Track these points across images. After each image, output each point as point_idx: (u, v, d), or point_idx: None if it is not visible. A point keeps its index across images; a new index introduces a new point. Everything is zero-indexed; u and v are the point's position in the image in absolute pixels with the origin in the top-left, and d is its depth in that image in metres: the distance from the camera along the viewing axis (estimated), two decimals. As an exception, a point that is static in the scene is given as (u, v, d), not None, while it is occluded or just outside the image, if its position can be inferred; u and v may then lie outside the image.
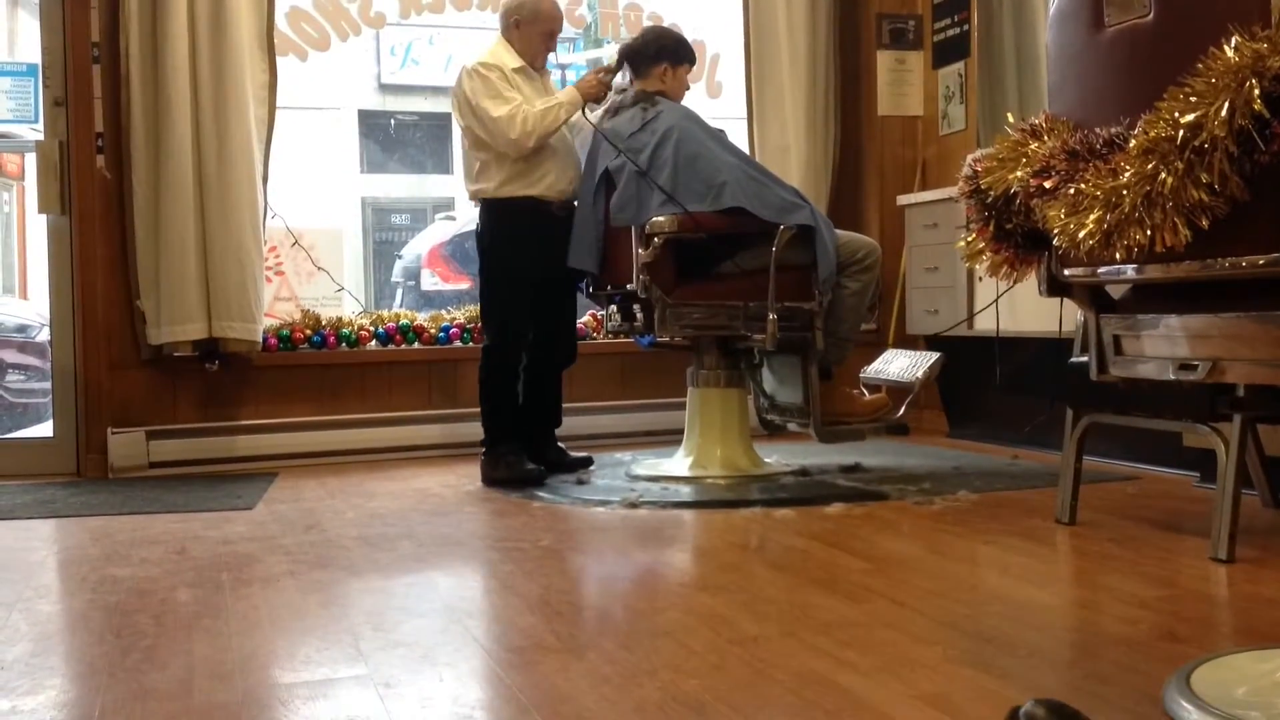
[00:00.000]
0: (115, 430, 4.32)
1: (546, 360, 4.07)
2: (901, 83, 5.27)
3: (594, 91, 3.93)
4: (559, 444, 4.13)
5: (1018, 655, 1.90)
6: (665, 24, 5.28)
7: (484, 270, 4.04)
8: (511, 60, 3.94)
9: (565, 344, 4.12)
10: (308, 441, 4.53)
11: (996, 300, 3.96)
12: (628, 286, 3.73)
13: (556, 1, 4.05)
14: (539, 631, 2.20)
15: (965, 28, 4.99)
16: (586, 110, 3.92)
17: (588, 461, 4.08)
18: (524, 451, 3.92)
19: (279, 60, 4.59)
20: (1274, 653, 1.73)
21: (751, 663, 1.85)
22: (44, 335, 5.83)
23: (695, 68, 4.17)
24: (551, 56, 4.16)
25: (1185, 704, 1.52)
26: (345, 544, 2.92)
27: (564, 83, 4.18)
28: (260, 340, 4.49)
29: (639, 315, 3.84)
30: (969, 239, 2.47)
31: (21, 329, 6.94)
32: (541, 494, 3.61)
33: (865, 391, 3.96)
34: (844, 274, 3.75)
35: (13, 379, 6.70)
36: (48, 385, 4.57)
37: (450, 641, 2.02)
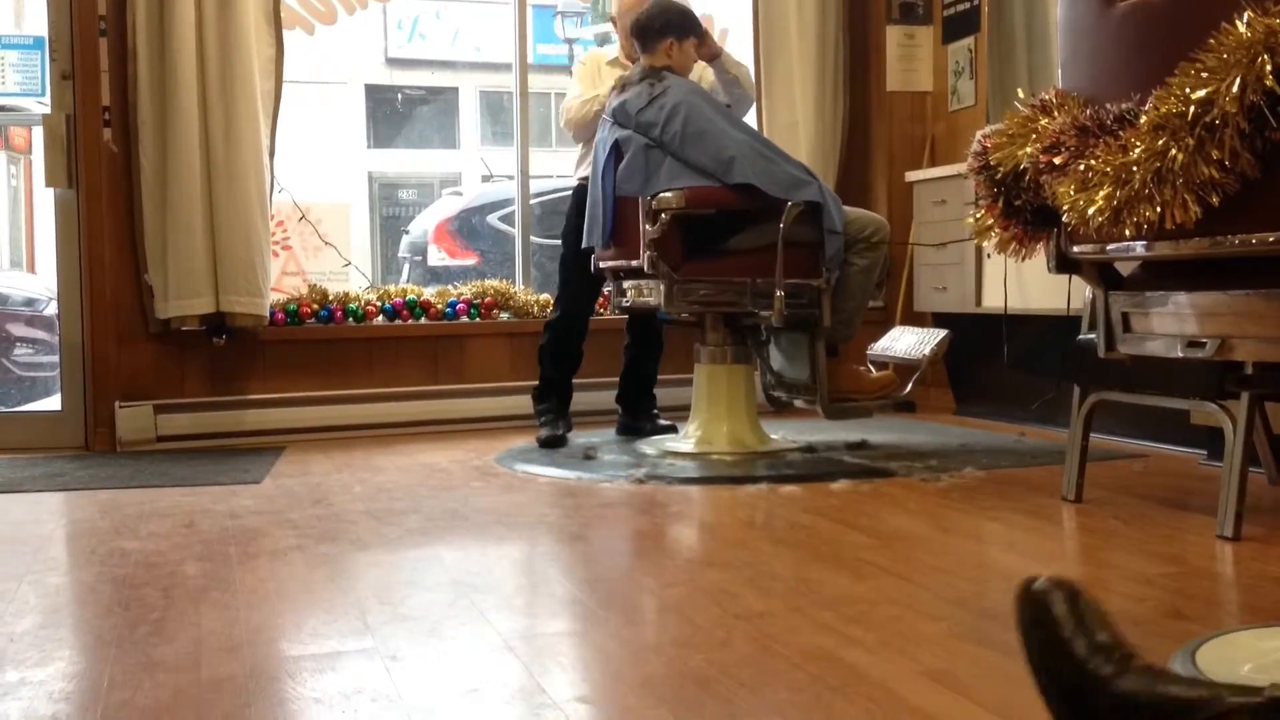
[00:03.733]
0: (123, 404, 4.33)
1: (639, 341, 4.38)
2: (911, 58, 5.24)
3: None
4: (654, 411, 4.41)
5: (1023, 632, 1.90)
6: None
7: (563, 245, 4.31)
8: (610, 54, 4.39)
9: (643, 325, 4.36)
10: (315, 416, 4.54)
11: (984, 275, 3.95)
12: (634, 263, 3.72)
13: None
14: (546, 606, 2.21)
15: (975, 2, 4.96)
16: None
17: (673, 429, 4.21)
18: (556, 416, 4.19)
19: (285, 34, 4.58)
20: (1279, 630, 1.74)
21: (757, 638, 1.86)
22: (52, 309, 5.85)
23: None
24: (559, 30, 4.26)
25: (1190, 681, 1.52)
26: (352, 518, 2.93)
27: (572, 59, 4.24)
28: (267, 315, 4.50)
29: (644, 291, 3.82)
30: (978, 215, 2.47)
31: (29, 303, 6.95)
32: (549, 470, 3.61)
33: (872, 369, 3.96)
34: (851, 251, 3.74)
35: (20, 353, 6.71)
36: (55, 359, 4.58)
37: (457, 615, 2.03)
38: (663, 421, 4.37)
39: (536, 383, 4.32)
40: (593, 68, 4.35)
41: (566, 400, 4.29)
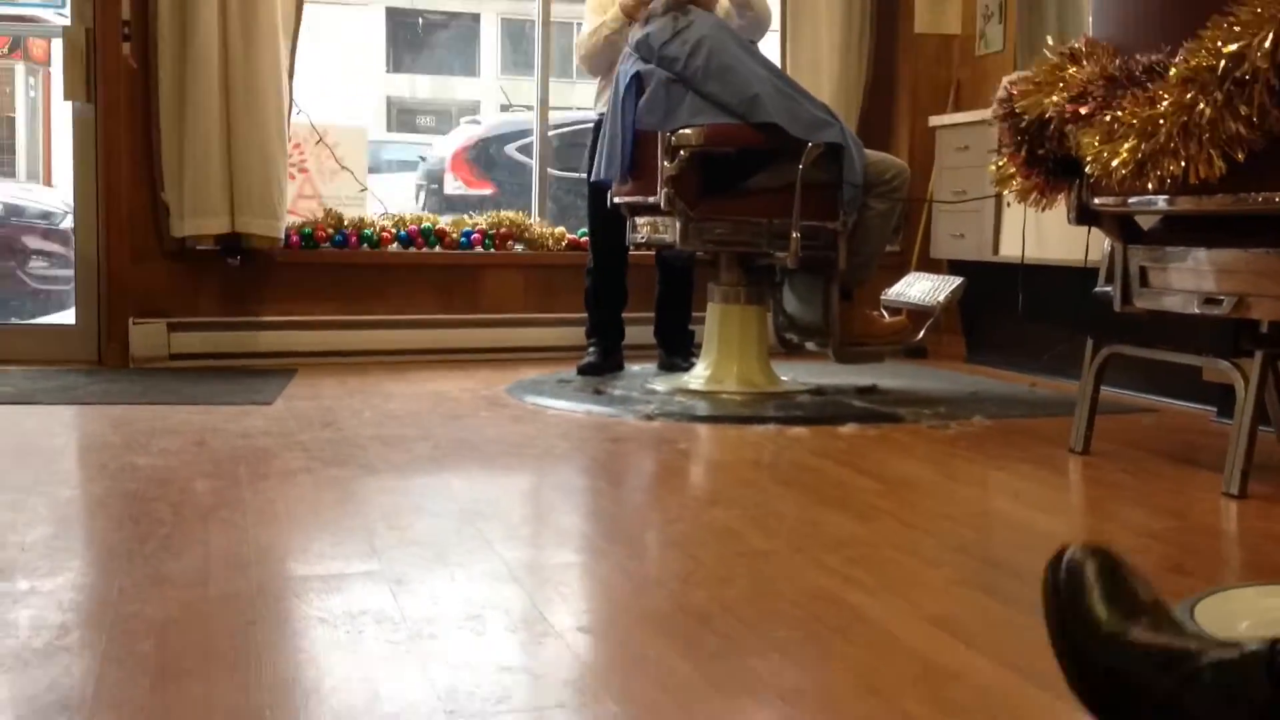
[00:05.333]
0: (137, 320, 4.34)
1: (668, 278, 4.39)
2: (940, 0, 5.16)
3: (637, 7, 4.00)
4: (691, 347, 4.38)
5: (1024, 580, 1.91)
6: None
7: (587, 183, 4.30)
8: None
9: (671, 263, 4.34)
10: (327, 340, 4.55)
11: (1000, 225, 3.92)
12: (650, 199, 3.70)
13: None
14: (551, 537, 2.23)
15: (1008, -54, 4.88)
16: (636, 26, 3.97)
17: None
18: (603, 349, 4.27)
19: (308, -48, 4.53)
20: (1279, 588, 1.74)
21: (759, 577, 1.87)
22: (68, 223, 5.85)
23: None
24: None
25: (1188, 635, 1.53)
26: (362, 443, 2.95)
27: None
28: (282, 237, 4.49)
29: (659, 228, 3.81)
30: (1000, 163, 2.45)
31: (45, 216, 6.96)
32: (559, 403, 3.63)
33: (885, 314, 3.95)
34: (870, 194, 3.71)
35: (36, 265, 6.74)
36: (70, 273, 4.59)
37: (463, 543, 2.05)
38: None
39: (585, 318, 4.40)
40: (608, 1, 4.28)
41: (616, 337, 4.33)
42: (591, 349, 4.30)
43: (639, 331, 4.44)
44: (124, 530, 2.08)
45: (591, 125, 4.34)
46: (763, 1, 4.24)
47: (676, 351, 4.37)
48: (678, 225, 3.64)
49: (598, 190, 4.13)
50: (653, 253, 4.32)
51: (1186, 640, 1.09)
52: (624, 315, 4.36)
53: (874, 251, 3.80)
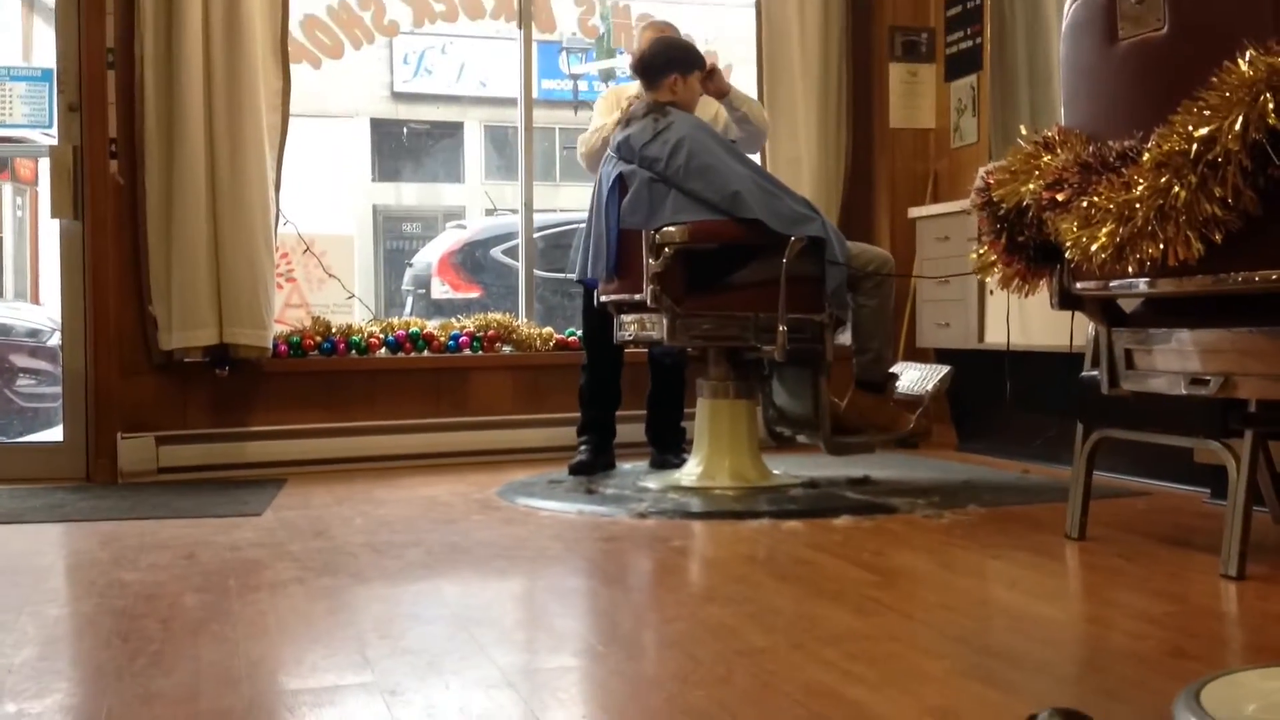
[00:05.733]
0: (125, 435, 4.33)
1: (658, 376, 4.40)
2: (914, 95, 5.27)
3: None
4: (682, 444, 4.37)
5: (1025, 670, 1.89)
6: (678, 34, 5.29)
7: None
8: (634, 89, 4.33)
9: (671, 368, 4.37)
10: (317, 448, 4.53)
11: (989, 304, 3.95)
12: (636, 296, 3.73)
13: (659, 29, 4.42)
14: (546, 641, 2.20)
15: (978, 40, 4.99)
16: None
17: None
18: (594, 447, 4.26)
19: (292, 67, 4.61)
20: (1284, 670, 1.72)
21: (759, 674, 1.84)
22: (55, 340, 5.86)
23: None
24: (564, 66, 4.30)
25: (1195, 720, 1.51)
26: (353, 551, 2.92)
27: (576, 94, 4.27)
28: (271, 346, 4.50)
29: (647, 325, 3.83)
30: (980, 251, 2.47)
31: (33, 334, 6.96)
32: (550, 504, 3.60)
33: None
34: (859, 292, 3.75)
35: (23, 383, 6.72)
36: (58, 390, 4.58)
37: (457, 650, 2.02)
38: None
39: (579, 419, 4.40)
40: (612, 100, 4.38)
41: (607, 436, 4.33)
42: (583, 447, 4.29)
43: (630, 430, 4.44)
44: (112, 648, 2.05)
45: (579, 226, 4.40)
46: (760, 114, 4.33)
47: (668, 449, 4.36)
48: (665, 321, 3.66)
49: (591, 290, 4.15)
50: (645, 351, 4.33)
51: None
52: (616, 413, 4.36)
53: (881, 345, 3.84)
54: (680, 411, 4.42)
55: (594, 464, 4.20)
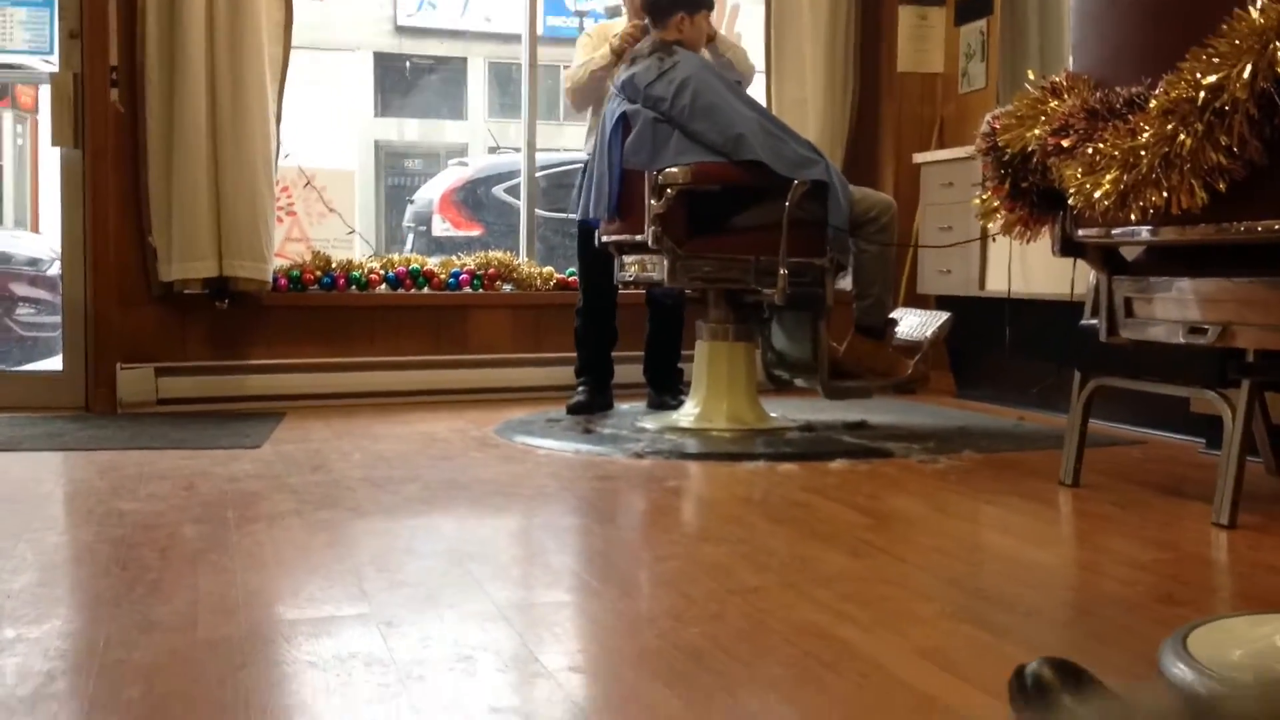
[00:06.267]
0: (124, 365, 4.33)
1: (657, 317, 4.39)
2: (923, 39, 5.21)
3: (628, 46, 4.11)
4: (679, 386, 4.37)
5: (1016, 613, 1.90)
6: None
7: (578, 225, 4.35)
8: (619, 25, 4.37)
9: (668, 305, 4.35)
10: (316, 383, 4.55)
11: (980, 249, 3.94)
12: (638, 237, 3.72)
13: None
14: (541, 577, 2.22)
15: (988, -16, 4.93)
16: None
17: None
18: (592, 388, 4.27)
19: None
20: (1271, 617, 1.74)
21: (751, 613, 1.86)
22: (55, 269, 5.85)
23: (714, 18, 4.15)
24: (569, 2, 4.27)
25: (1181, 665, 1.53)
26: (351, 485, 2.94)
27: (582, 30, 4.23)
28: (270, 280, 4.50)
29: (648, 266, 3.82)
30: (984, 196, 2.46)
31: (33, 262, 6.95)
32: (548, 442, 3.62)
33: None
34: (861, 236, 3.74)
35: (23, 312, 6.72)
36: (58, 319, 4.58)
37: (453, 584, 2.03)
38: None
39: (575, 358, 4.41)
40: (598, 38, 4.36)
41: (605, 376, 4.34)
42: (581, 388, 4.30)
43: (628, 370, 4.44)
44: (111, 576, 2.07)
45: (580, 166, 4.37)
46: (746, 61, 4.30)
47: (665, 390, 4.37)
48: (665, 263, 3.66)
49: (586, 230, 4.15)
50: (643, 292, 4.32)
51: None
52: (613, 354, 4.37)
53: (882, 290, 3.83)
54: (678, 353, 4.43)
55: (591, 404, 4.22)
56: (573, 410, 4.17)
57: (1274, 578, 2.16)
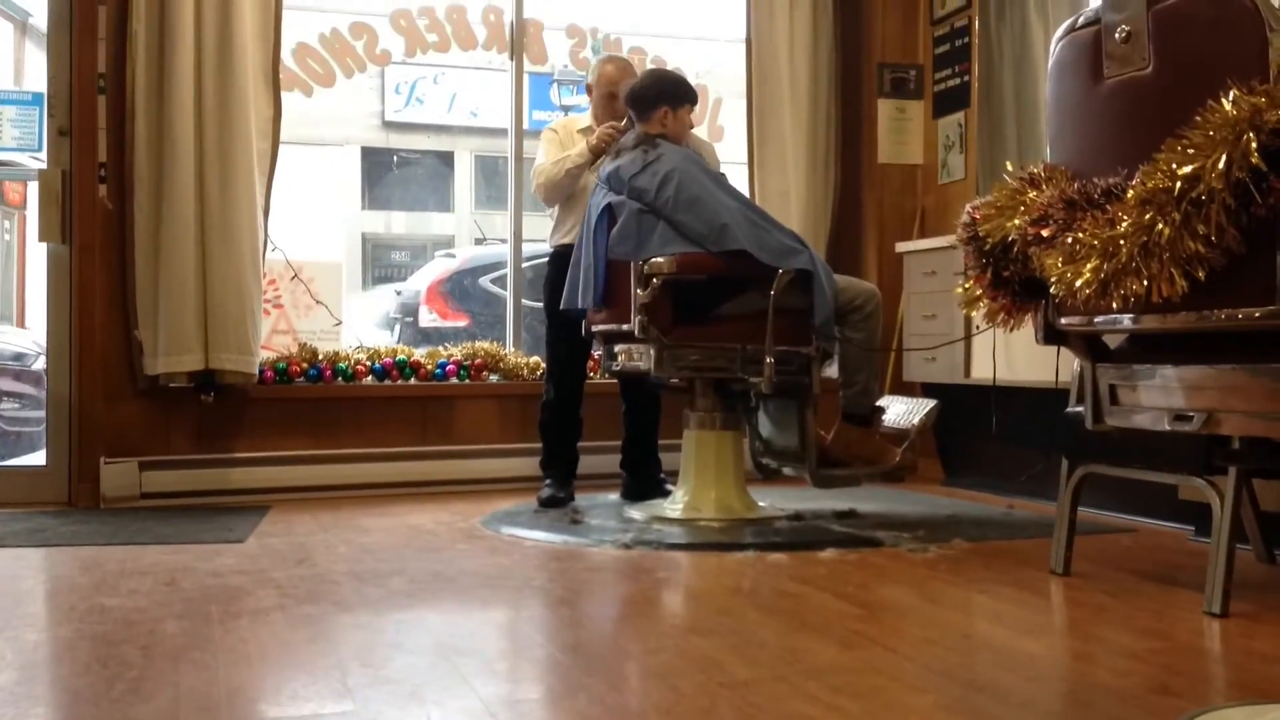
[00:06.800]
0: (108, 460, 4.30)
1: (635, 405, 4.39)
2: (902, 131, 5.30)
3: (603, 146, 4.14)
4: (660, 475, 4.39)
5: (1009, 705, 1.88)
6: (668, 66, 5.31)
7: (545, 313, 4.37)
8: (581, 122, 4.42)
9: (638, 389, 4.33)
10: (301, 475, 4.51)
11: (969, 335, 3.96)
12: (624, 326, 3.73)
13: (621, 65, 4.40)
14: (529, 671, 2.19)
15: (966, 78, 5.03)
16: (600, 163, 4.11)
17: (667, 492, 4.17)
18: (558, 482, 4.23)
19: (284, 95, 4.61)
20: (1267, 708, 1.72)
21: (742, 707, 1.84)
22: (40, 364, 5.83)
23: (697, 111, 4.21)
24: (555, 97, 4.32)
25: (1178, 757, 1.51)
26: (336, 579, 2.91)
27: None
28: (257, 373, 4.49)
29: (634, 355, 3.84)
30: (966, 285, 2.48)
31: (18, 357, 6.93)
32: (535, 534, 3.59)
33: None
34: (847, 325, 3.76)
35: (7, 407, 6.69)
36: (42, 414, 4.56)
37: (439, 679, 2.01)
38: (670, 486, 4.29)
39: (541, 451, 4.36)
40: (564, 135, 4.37)
41: (572, 467, 4.32)
42: (549, 480, 4.26)
43: (595, 461, 4.47)
44: (91, 674, 2.03)
45: (544, 258, 4.45)
46: (714, 157, 4.34)
47: (646, 478, 4.36)
48: (652, 352, 3.67)
49: (560, 320, 4.16)
50: (610, 382, 4.34)
51: None
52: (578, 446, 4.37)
53: (869, 377, 3.85)
54: (656, 440, 4.42)
55: (564, 497, 4.18)
56: (546, 504, 4.12)
57: (1269, 666, 2.14)
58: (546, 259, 4.43)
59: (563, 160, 4.21)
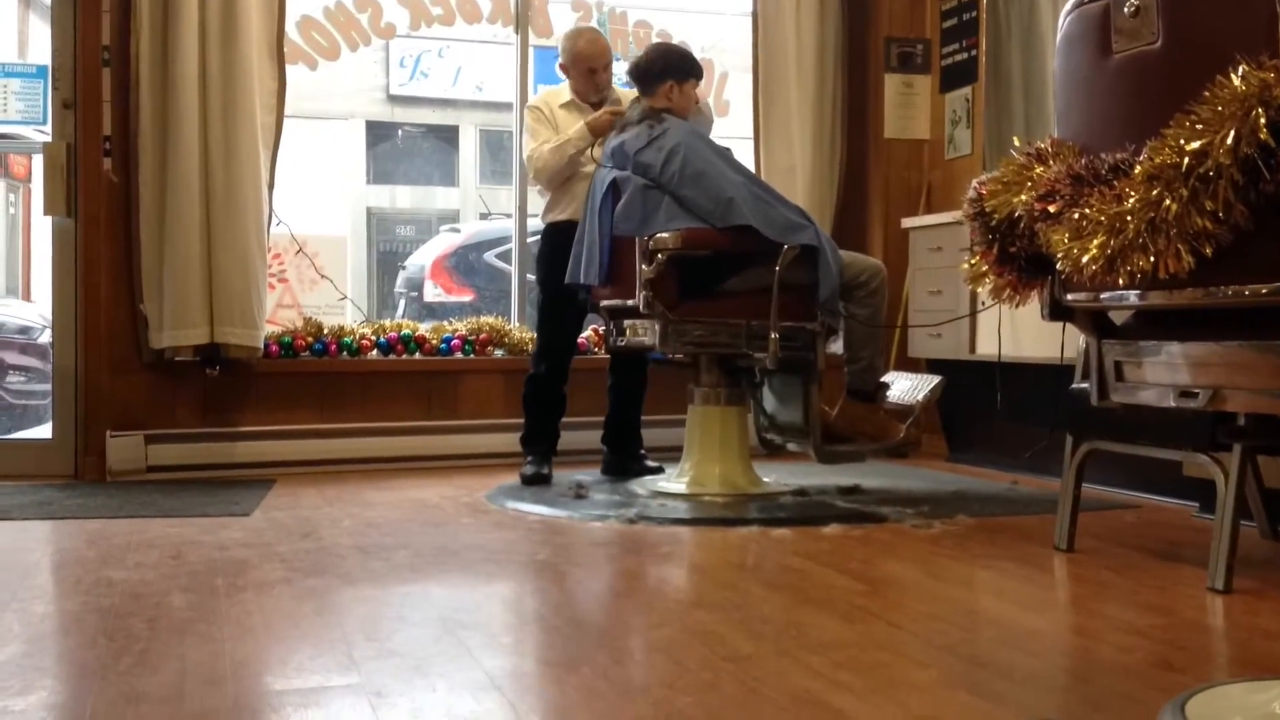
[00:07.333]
0: (114, 433, 4.31)
1: (623, 382, 4.33)
2: (908, 106, 5.28)
3: (603, 128, 4.07)
4: (641, 453, 4.35)
5: (1012, 680, 1.89)
6: (673, 41, 5.29)
7: (538, 287, 4.33)
8: (563, 96, 4.29)
9: (633, 366, 4.30)
10: (307, 449, 4.52)
11: (972, 314, 3.95)
12: (629, 302, 3.73)
13: (593, 39, 4.30)
14: (533, 644, 2.20)
15: (973, 53, 5.00)
16: (598, 145, 4.07)
17: (660, 471, 4.16)
18: (541, 458, 4.17)
19: (288, 68, 4.60)
20: (1269, 684, 1.73)
21: (745, 681, 1.84)
22: (46, 337, 5.84)
23: (703, 86, 4.18)
24: (559, 72, 4.27)
25: (1180, 733, 1.51)
26: (341, 552, 2.92)
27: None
28: (262, 346, 4.49)
29: (639, 330, 3.83)
30: (972, 261, 2.47)
31: (24, 330, 6.94)
32: (539, 508, 3.60)
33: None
34: (851, 301, 3.75)
35: (13, 380, 6.70)
36: (48, 387, 4.58)
37: (444, 652, 2.01)
38: (650, 463, 4.32)
39: (524, 426, 4.29)
40: (547, 112, 4.25)
41: (553, 444, 4.26)
42: (532, 457, 4.19)
43: (576, 437, 4.42)
44: (98, 647, 2.04)
45: (536, 234, 4.39)
46: (710, 111, 4.29)
47: (628, 454, 4.32)
48: (657, 328, 3.66)
49: (555, 297, 4.14)
50: (591, 356, 4.33)
51: None
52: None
53: (874, 353, 3.85)
54: (640, 414, 4.37)
55: (547, 474, 4.12)
56: (531, 481, 4.06)
57: (1271, 643, 2.14)
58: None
59: (563, 146, 4.11)
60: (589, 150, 4.12)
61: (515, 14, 5.26)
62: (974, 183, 2.52)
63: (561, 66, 4.30)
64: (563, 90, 4.31)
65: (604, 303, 3.94)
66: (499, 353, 4.95)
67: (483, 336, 4.94)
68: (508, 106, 5.35)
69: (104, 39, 4.34)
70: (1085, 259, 2.00)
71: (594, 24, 5.91)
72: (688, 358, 3.92)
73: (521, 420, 4.30)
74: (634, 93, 4.06)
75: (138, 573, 2.66)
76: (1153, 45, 2.05)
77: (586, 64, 4.22)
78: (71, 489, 4.06)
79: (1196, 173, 1.83)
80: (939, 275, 4.66)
